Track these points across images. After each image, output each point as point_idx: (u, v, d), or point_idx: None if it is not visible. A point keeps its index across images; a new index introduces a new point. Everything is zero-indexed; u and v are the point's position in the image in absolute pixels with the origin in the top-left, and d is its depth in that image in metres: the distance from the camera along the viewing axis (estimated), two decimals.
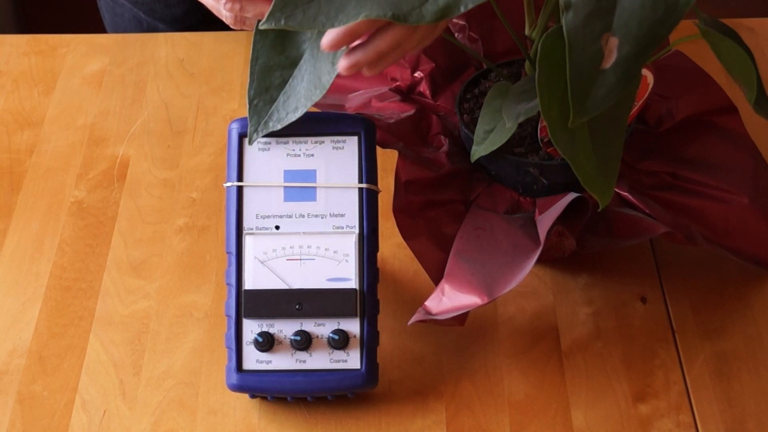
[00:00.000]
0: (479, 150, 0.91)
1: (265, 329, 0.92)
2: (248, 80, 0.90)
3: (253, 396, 0.94)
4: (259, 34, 0.90)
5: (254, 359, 0.92)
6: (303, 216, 0.93)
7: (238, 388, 0.92)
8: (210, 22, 1.12)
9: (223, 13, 0.91)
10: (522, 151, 0.98)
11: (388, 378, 0.96)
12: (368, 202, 0.94)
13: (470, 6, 0.77)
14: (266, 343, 0.91)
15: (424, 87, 1.08)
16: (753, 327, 1.00)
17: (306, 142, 0.94)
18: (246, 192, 0.94)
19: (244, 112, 0.95)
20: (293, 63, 0.90)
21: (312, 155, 0.94)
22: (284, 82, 0.90)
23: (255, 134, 0.91)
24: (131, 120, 1.19)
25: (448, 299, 0.92)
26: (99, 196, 1.11)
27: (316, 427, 0.93)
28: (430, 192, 0.99)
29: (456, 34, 1.11)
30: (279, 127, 0.91)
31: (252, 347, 0.92)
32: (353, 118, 0.95)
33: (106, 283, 1.04)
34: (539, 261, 0.97)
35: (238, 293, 0.92)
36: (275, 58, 0.90)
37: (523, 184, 1.00)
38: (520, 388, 0.96)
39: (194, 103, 1.21)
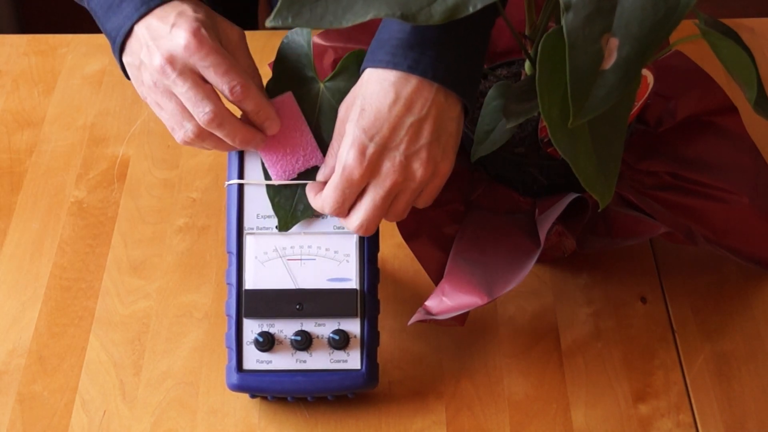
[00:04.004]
0: (479, 150, 0.91)
1: (265, 329, 0.92)
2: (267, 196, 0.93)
3: (253, 396, 0.94)
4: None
5: (254, 359, 0.92)
6: None
7: (238, 387, 0.92)
8: None
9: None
10: (522, 151, 0.98)
11: (388, 378, 0.96)
12: None
13: (479, 6, 0.76)
14: (266, 343, 0.91)
15: None
16: (753, 327, 1.00)
17: None
18: (247, 191, 0.94)
19: None
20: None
21: None
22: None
23: (285, 226, 0.93)
24: (131, 120, 1.19)
25: (448, 299, 0.92)
26: (99, 196, 1.11)
27: (316, 427, 0.93)
28: None
29: None
30: (308, 215, 0.93)
31: (252, 347, 0.92)
32: None
33: (106, 283, 1.04)
34: (539, 261, 0.98)
35: (238, 293, 0.92)
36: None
37: (523, 184, 1.00)
38: (520, 388, 0.96)
39: None
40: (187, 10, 0.87)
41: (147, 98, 0.90)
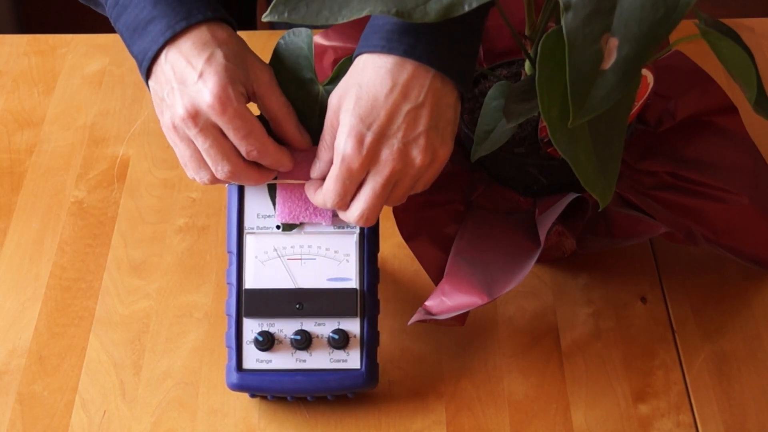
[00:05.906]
0: (479, 150, 0.91)
1: (265, 328, 0.92)
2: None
3: (253, 395, 0.94)
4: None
5: (254, 358, 0.92)
6: None
7: (238, 387, 0.92)
8: None
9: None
10: (522, 151, 0.98)
11: (388, 378, 0.96)
12: None
13: (474, 5, 0.77)
14: (266, 342, 0.91)
15: None
16: (753, 327, 1.00)
17: None
18: (247, 191, 0.94)
19: None
20: None
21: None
22: None
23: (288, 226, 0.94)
24: (131, 120, 1.19)
25: (448, 299, 0.92)
26: (99, 196, 1.12)
27: (316, 427, 0.93)
28: (430, 192, 0.99)
29: None
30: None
31: (252, 346, 0.92)
32: None
33: (106, 283, 1.04)
34: (539, 261, 0.98)
35: (238, 292, 0.92)
36: None
37: (523, 184, 1.00)
38: (520, 388, 0.96)
39: None
40: (218, 54, 0.86)
41: (163, 128, 0.90)
